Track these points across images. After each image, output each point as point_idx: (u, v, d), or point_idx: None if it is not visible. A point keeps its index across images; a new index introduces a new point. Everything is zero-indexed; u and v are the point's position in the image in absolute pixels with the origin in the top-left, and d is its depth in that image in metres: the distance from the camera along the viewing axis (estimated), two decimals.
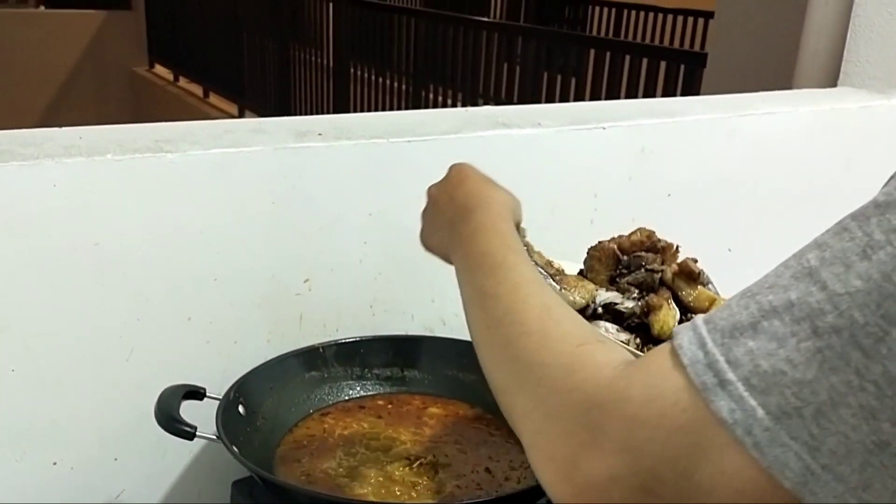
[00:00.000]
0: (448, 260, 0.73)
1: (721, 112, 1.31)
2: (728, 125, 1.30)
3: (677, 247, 0.87)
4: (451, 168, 0.78)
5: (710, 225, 1.32)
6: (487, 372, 0.59)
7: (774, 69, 1.68)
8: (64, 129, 0.95)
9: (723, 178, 1.31)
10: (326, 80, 5.63)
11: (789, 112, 1.37)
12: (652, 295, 0.79)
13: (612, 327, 0.81)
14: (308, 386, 1.02)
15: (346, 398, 1.04)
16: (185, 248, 0.93)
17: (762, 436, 0.41)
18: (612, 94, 3.71)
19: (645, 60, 3.62)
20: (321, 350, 1.04)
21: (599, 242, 0.93)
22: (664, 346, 0.47)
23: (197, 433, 0.83)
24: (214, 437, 0.84)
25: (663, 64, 3.58)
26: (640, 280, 0.83)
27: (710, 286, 0.83)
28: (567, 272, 0.86)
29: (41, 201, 0.86)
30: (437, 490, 0.88)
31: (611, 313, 0.82)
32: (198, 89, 6.93)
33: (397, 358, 1.07)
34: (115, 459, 0.96)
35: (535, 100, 4.13)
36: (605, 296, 0.83)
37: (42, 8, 8.71)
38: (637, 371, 0.47)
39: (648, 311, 0.79)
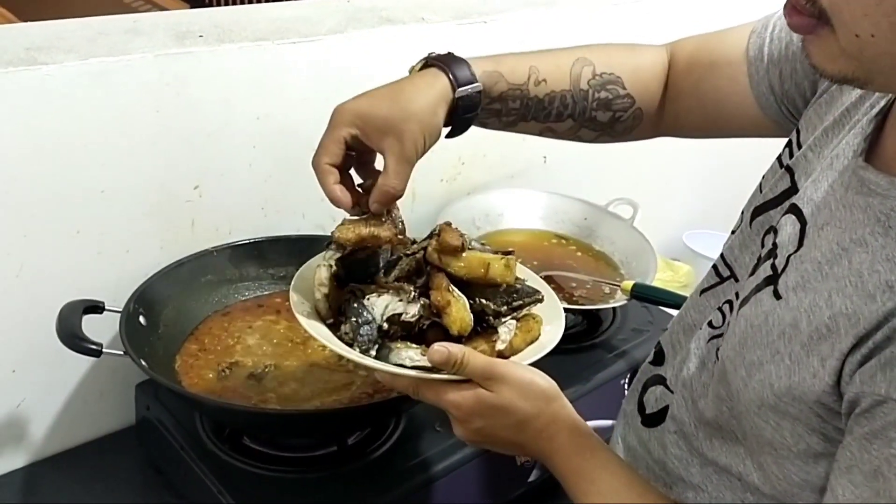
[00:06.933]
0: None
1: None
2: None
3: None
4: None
5: None
6: None
7: None
8: None
9: None
10: None
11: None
12: (433, 294, 0.71)
13: (414, 354, 0.71)
14: (206, 290, 1.04)
15: (244, 298, 1.07)
16: (69, 162, 0.91)
17: None
18: None
19: None
20: (215, 254, 1.05)
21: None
22: None
23: (104, 350, 0.85)
24: (121, 353, 0.85)
25: None
26: (406, 269, 0.75)
27: (473, 245, 0.75)
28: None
29: None
30: (348, 381, 0.95)
31: (398, 325, 0.72)
32: None
33: (291, 257, 1.09)
34: (13, 371, 0.96)
35: None
36: (381, 306, 0.73)
37: None
38: None
39: (438, 313, 0.71)
